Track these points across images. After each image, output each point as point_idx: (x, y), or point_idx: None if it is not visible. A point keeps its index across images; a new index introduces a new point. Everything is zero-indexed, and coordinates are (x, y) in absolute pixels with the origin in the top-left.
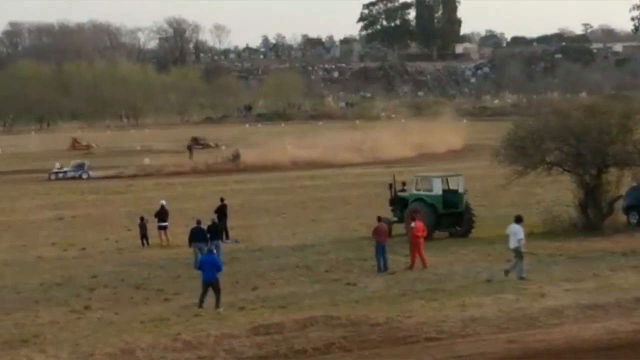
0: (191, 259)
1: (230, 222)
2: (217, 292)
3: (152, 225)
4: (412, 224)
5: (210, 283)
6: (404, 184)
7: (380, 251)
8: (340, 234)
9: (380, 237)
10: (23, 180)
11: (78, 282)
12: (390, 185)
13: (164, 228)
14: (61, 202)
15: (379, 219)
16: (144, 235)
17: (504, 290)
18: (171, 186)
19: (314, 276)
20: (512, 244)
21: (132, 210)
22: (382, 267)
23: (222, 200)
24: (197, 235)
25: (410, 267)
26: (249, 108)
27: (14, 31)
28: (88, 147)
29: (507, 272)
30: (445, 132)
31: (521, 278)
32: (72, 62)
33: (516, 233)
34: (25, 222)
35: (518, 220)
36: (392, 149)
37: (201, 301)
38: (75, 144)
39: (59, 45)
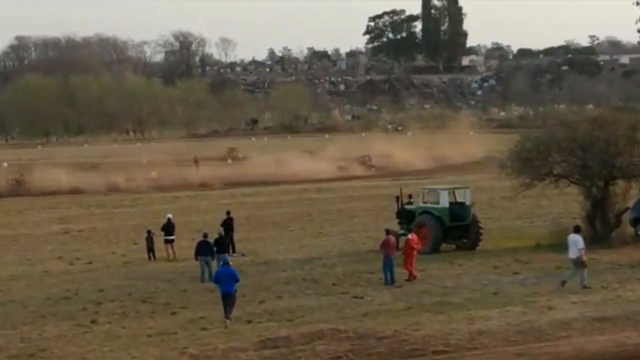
0: (198, 272)
1: (236, 235)
2: (232, 304)
3: (159, 238)
4: (409, 236)
5: (229, 295)
6: (410, 196)
7: (388, 264)
8: (347, 247)
9: (388, 250)
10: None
11: (85, 296)
12: (397, 198)
13: (171, 242)
14: (67, 216)
15: (387, 232)
16: (150, 249)
17: (512, 303)
18: (177, 199)
19: (321, 289)
20: (573, 254)
21: (139, 224)
22: (390, 280)
23: (228, 213)
24: (203, 249)
25: (412, 278)
26: (255, 121)
27: (20, 45)
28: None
29: (563, 282)
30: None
31: (584, 287)
32: (78, 76)
33: (576, 242)
34: (32, 236)
35: (577, 230)
36: (404, 161)
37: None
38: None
39: (65, 59)
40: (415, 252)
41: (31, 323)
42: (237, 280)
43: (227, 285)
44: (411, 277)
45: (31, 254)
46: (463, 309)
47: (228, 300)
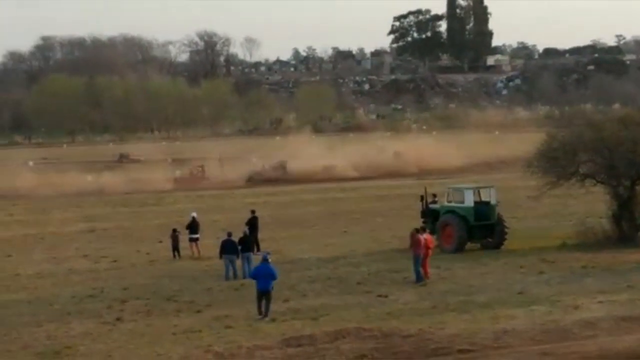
0: (222, 271)
1: (261, 234)
2: (269, 301)
3: (184, 237)
4: (424, 235)
5: (266, 292)
6: (434, 196)
7: (419, 263)
8: (371, 246)
9: (418, 249)
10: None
11: (110, 294)
12: (422, 198)
13: (195, 240)
14: (93, 215)
15: (417, 230)
16: (175, 248)
17: (537, 302)
18: (201, 198)
19: (346, 288)
20: None
21: (164, 222)
22: (420, 278)
23: (253, 212)
24: (228, 248)
25: (426, 277)
26: (279, 121)
27: (46, 45)
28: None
29: None
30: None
31: None
32: (103, 76)
33: None
34: (58, 235)
35: None
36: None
37: (260, 310)
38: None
39: (91, 59)
40: (430, 252)
41: (57, 320)
42: (274, 278)
43: (264, 283)
44: (427, 276)
45: (57, 252)
46: (488, 308)
47: (265, 297)
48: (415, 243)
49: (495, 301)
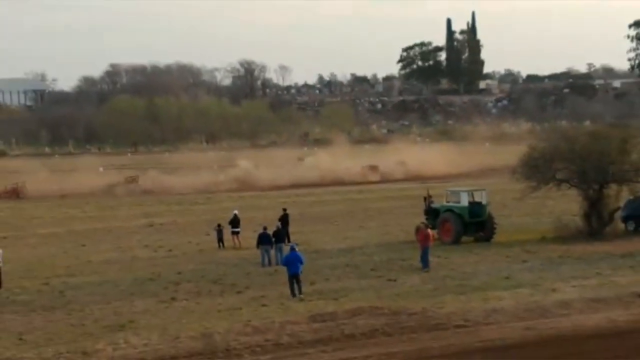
0: (259, 259)
1: (291, 228)
2: (299, 282)
3: (227, 231)
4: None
5: (296, 275)
6: (430, 197)
7: (426, 253)
8: (383, 239)
9: (428, 242)
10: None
11: (166, 277)
12: (425, 198)
13: (237, 233)
14: (151, 212)
15: (426, 225)
16: (220, 239)
17: (521, 286)
18: (242, 198)
19: (361, 274)
20: None
21: (210, 218)
22: (425, 265)
23: (284, 210)
24: (263, 239)
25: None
26: (307, 134)
27: (114, 71)
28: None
29: None
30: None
31: None
32: (161, 97)
33: None
34: (122, 228)
35: None
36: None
37: (292, 291)
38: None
39: (151, 82)
40: (431, 244)
41: (122, 299)
42: (302, 263)
43: (294, 267)
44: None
45: (122, 243)
46: (480, 290)
47: (295, 279)
48: (425, 237)
49: (486, 285)
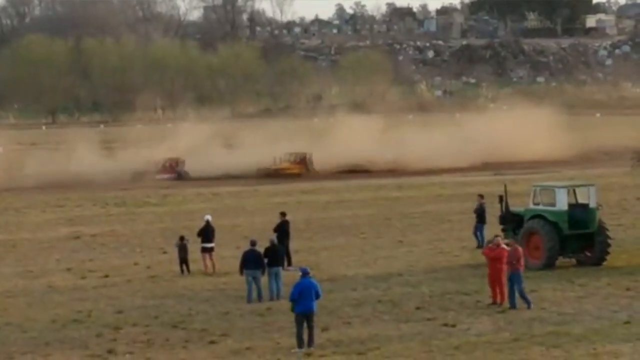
0: (243, 290)
1: (293, 244)
2: (311, 327)
3: (195, 246)
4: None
5: (310, 313)
6: (501, 197)
7: (518, 281)
8: (435, 261)
9: (518, 264)
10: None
11: (99, 319)
12: (501, 198)
13: (210, 250)
14: (78, 217)
15: (514, 241)
16: (183, 260)
17: None
18: (217, 197)
19: (401, 314)
20: None
21: (169, 227)
22: (515, 304)
23: (283, 215)
24: (251, 261)
25: (495, 303)
26: (318, 97)
27: None
28: None
29: None
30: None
31: None
32: (93, 39)
33: None
34: (33, 242)
35: None
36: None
37: (300, 340)
38: None
39: (77, 16)
40: (505, 268)
41: (32, 352)
42: (319, 296)
43: (309, 302)
44: (496, 301)
45: (33, 264)
46: (585, 342)
47: (308, 321)
48: (514, 256)
49: (595, 333)
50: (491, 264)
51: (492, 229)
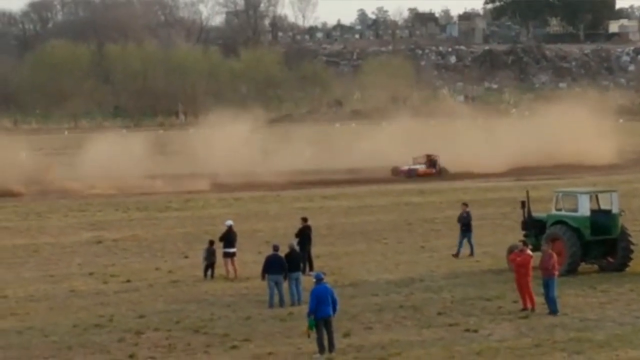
0: (265, 295)
1: (315, 249)
2: (331, 332)
3: (217, 251)
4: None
5: (328, 319)
6: (523, 203)
7: (552, 288)
8: (457, 266)
9: (554, 269)
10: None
11: (121, 323)
12: (523, 204)
13: (232, 255)
14: (100, 221)
15: (549, 246)
16: (211, 265)
17: None
18: (239, 202)
19: (423, 320)
20: None
21: (190, 232)
22: (553, 309)
23: (304, 220)
24: (273, 266)
25: (526, 308)
26: (339, 102)
27: (44, 3)
28: None
29: None
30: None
31: None
32: (115, 44)
33: None
34: (56, 246)
35: None
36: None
37: (322, 345)
38: None
39: (100, 21)
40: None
41: (54, 356)
42: (335, 301)
43: (326, 307)
44: (527, 307)
45: (55, 268)
46: (608, 348)
47: (327, 326)
48: (548, 261)
49: (617, 339)
50: (517, 270)
51: (515, 234)
